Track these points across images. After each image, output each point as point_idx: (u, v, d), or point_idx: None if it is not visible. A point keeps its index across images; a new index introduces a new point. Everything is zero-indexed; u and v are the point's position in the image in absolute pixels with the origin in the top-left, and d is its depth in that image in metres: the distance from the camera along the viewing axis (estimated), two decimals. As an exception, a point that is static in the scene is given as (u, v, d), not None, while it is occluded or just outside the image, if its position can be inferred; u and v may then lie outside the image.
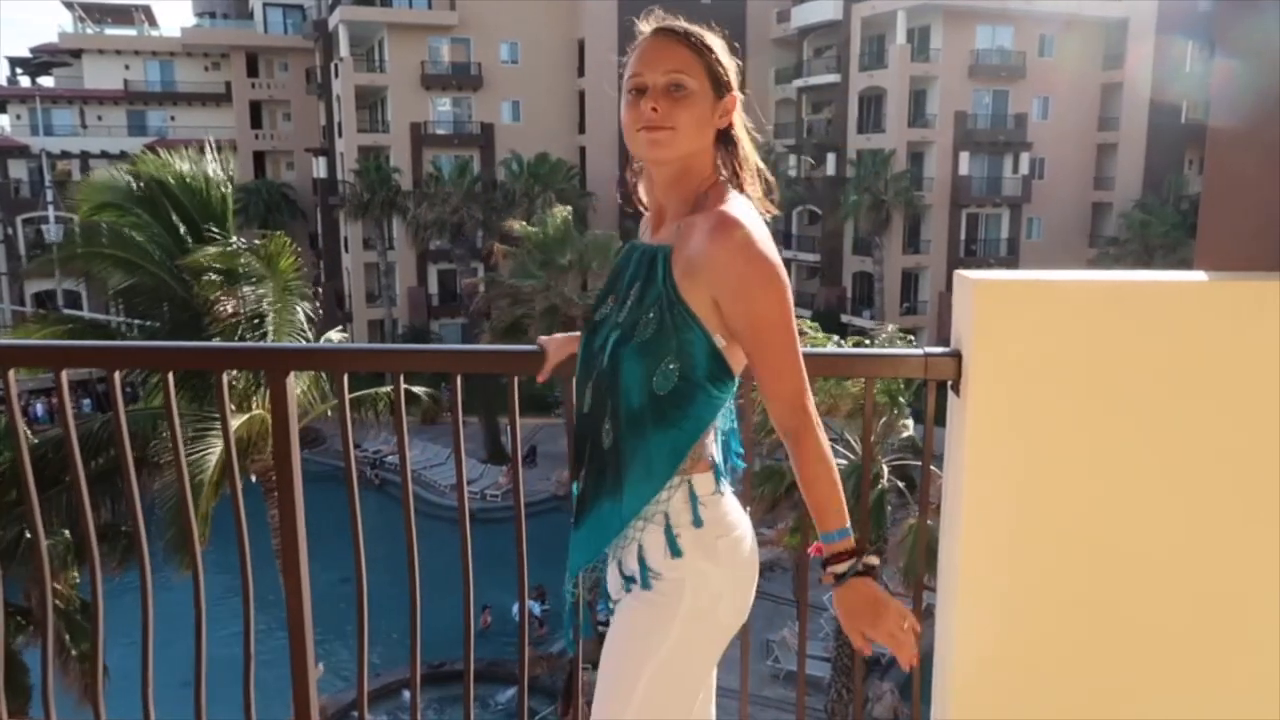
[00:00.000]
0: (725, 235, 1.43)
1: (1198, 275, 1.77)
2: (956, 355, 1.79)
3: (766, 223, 1.52)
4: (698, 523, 1.53)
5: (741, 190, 1.53)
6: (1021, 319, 1.71)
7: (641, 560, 1.55)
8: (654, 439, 1.50)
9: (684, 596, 1.53)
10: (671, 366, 1.48)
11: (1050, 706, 1.81)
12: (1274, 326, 1.66)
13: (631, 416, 1.50)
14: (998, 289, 1.72)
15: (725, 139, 1.55)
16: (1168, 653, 1.79)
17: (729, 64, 1.52)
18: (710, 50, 1.50)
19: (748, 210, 1.49)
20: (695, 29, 1.51)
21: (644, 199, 1.67)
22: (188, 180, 11.44)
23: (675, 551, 1.53)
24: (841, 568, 1.47)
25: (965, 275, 1.74)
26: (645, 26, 1.53)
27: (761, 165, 1.57)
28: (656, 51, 1.49)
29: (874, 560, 1.48)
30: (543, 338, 1.90)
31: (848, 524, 1.48)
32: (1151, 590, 1.77)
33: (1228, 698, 1.79)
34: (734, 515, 1.60)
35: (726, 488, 1.60)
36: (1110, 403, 1.71)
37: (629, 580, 1.58)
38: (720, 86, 1.50)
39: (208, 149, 11.94)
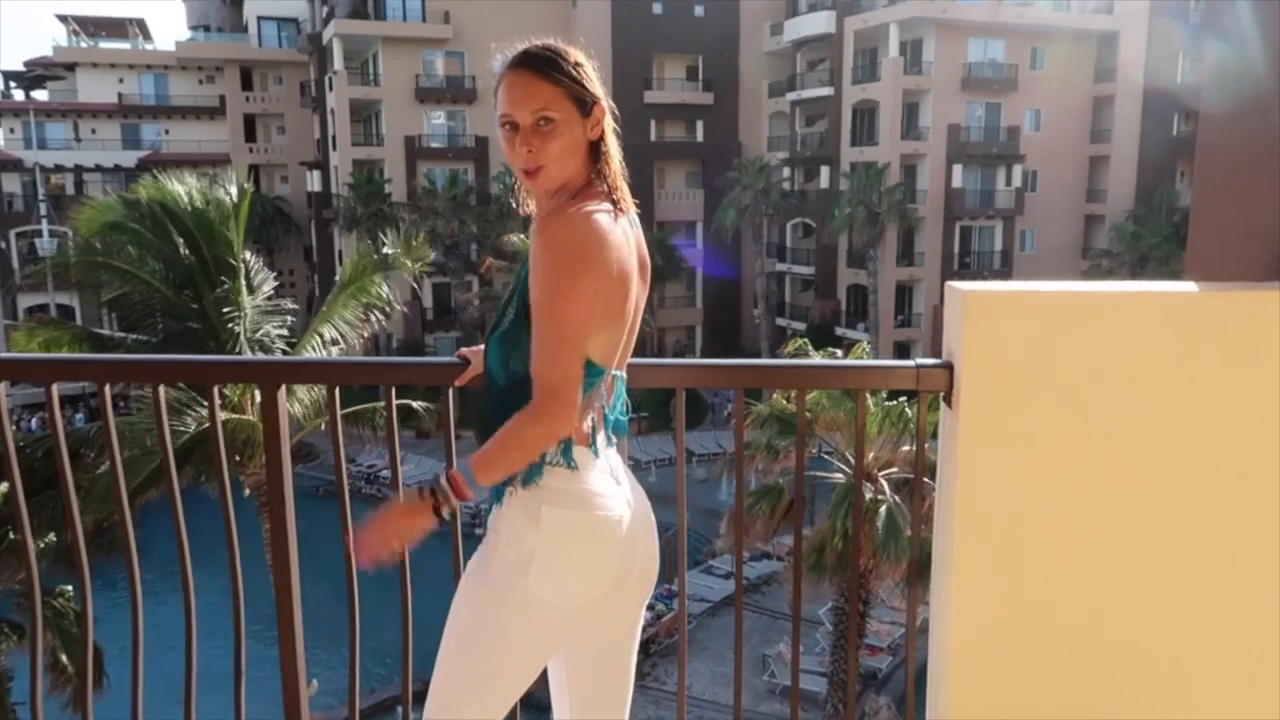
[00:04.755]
0: (541, 230, 1.52)
1: (1187, 286, 1.78)
2: (948, 366, 1.79)
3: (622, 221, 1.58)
4: (527, 481, 1.59)
5: (612, 194, 1.58)
6: (1013, 330, 1.71)
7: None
8: (514, 414, 1.56)
9: (498, 546, 1.63)
10: (525, 353, 1.55)
11: (1044, 713, 1.81)
12: (1263, 336, 1.67)
13: (497, 395, 1.62)
14: (989, 300, 1.72)
15: (597, 148, 1.60)
16: (1161, 660, 1.80)
17: (590, 75, 1.57)
18: (568, 77, 1.54)
19: (588, 210, 1.53)
20: (551, 54, 1.55)
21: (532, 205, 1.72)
22: (195, 203, 11.59)
23: (497, 498, 1.63)
24: (445, 492, 1.55)
25: (956, 286, 1.74)
26: (504, 57, 1.57)
27: (622, 163, 1.63)
28: (519, 89, 1.54)
29: (444, 509, 1.56)
30: (464, 349, 1.91)
31: (480, 483, 1.55)
32: (1144, 598, 1.78)
33: (1220, 702, 1.81)
34: (578, 491, 1.60)
35: (591, 466, 1.61)
36: (1101, 413, 1.72)
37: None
38: (585, 105, 1.56)
39: (233, 178, 12.33)
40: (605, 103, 1.59)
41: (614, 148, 1.61)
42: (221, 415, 2.33)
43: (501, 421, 1.56)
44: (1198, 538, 1.75)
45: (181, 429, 10.18)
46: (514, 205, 1.76)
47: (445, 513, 1.55)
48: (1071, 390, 1.71)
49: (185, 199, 11.51)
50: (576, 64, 1.56)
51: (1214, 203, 2.02)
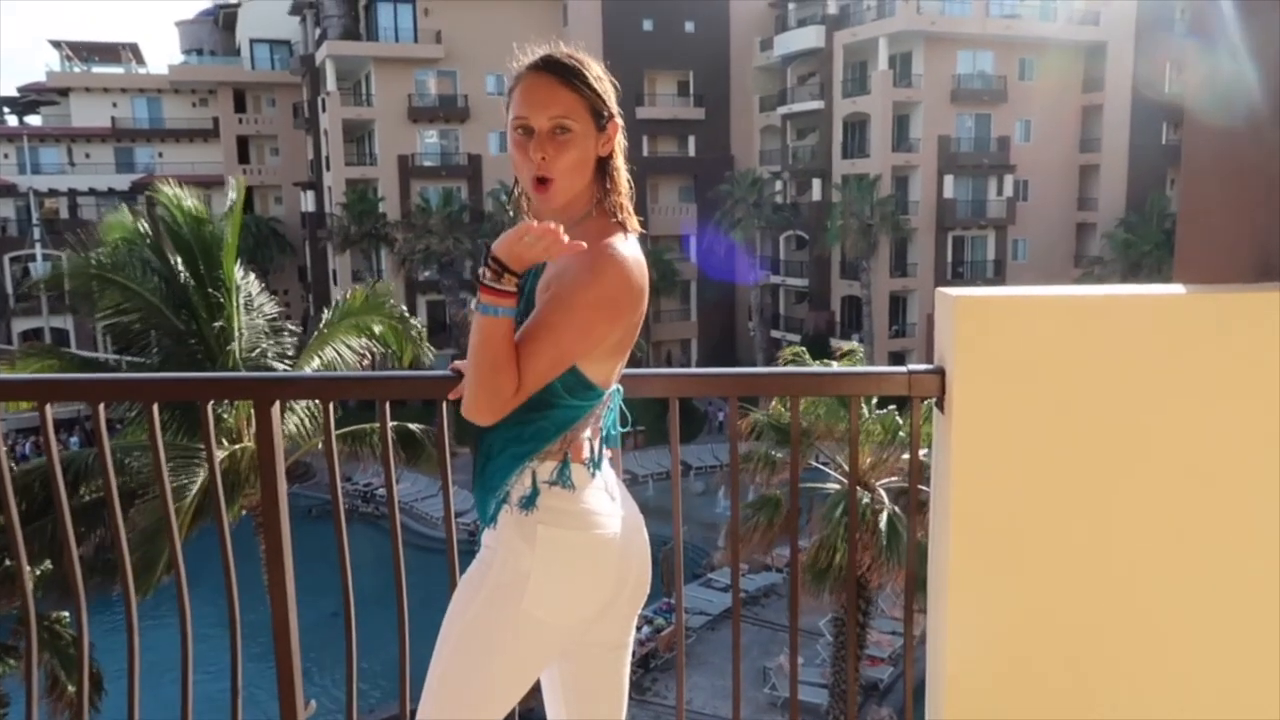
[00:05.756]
0: (595, 265, 1.48)
1: (1176, 289, 1.79)
2: (940, 372, 1.80)
3: (643, 248, 1.60)
4: (526, 504, 1.58)
5: (615, 214, 1.57)
6: (1003, 334, 1.72)
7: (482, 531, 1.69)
8: (511, 435, 1.57)
9: (494, 564, 1.63)
10: None
11: (1041, 713, 1.82)
12: (1253, 337, 1.69)
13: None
14: (979, 305, 1.73)
15: (604, 165, 1.59)
16: (1158, 664, 1.82)
17: (608, 90, 1.56)
18: (590, 87, 1.52)
19: (627, 248, 1.53)
20: (574, 63, 1.53)
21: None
22: (196, 217, 11.52)
23: (491, 519, 1.62)
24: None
25: (946, 292, 1.75)
26: (526, 60, 1.54)
27: (629, 181, 1.63)
28: (539, 93, 1.50)
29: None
30: (457, 362, 1.81)
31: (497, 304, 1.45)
32: (1140, 601, 1.79)
33: (1217, 706, 1.81)
34: (575, 511, 1.60)
35: (588, 484, 1.61)
36: (1093, 415, 1.73)
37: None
38: (601, 119, 1.54)
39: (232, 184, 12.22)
40: (619, 121, 1.57)
41: (623, 167, 1.60)
42: (220, 453, 2.32)
43: (504, 433, 1.57)
44: (1192, 539, 1.76)
45: (188, 482, 10.06)
46: (515, 214, 1.68)
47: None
48: (1063, 393, 1.72)
49: (186, 211, 11.49)
50: (598, 77, 1.55)
51: (1201, 206, 2.03)
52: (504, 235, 1.44)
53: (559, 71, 1.51)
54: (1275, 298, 1.69)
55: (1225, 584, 1.77)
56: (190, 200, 11.69)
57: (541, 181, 1.51)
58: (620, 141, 1.60)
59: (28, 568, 2.33)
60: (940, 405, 1.83)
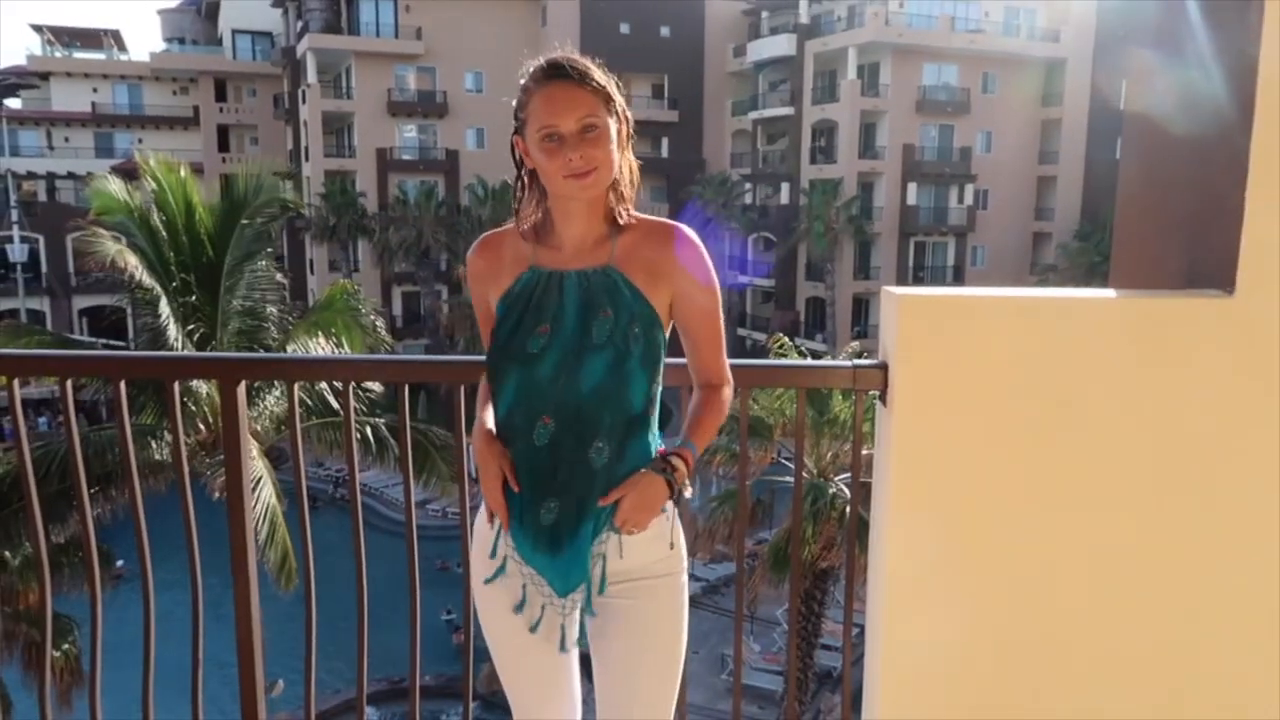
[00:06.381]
0: (690, 241, 1.61)
1: (1106, 293, 1.83)
2: (883, 367, 1.83)
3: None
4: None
5: (623, 200, 1.63)
6: (943, 332, 1.76)
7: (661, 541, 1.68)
8: (647, 437, 1.63)
9: (677, 588, 1.70)
10: (659, 370, 1.61)
11: (976, 707, 1.84)
12: (1176, 341, 1.75)
13: (631, 424, 1.59)
14: (920, 304, 1.76)
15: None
16: (1088, 653, 1.83)
17: (613, 86, 1.57)
18: (604, 86, 1.55)
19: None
20: (582, 65, 1.55)
21: (523, 227, 1.67)
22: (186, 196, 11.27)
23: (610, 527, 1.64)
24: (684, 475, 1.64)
25: (891, 291, 1.78)
26: (530, 73, 1.57)
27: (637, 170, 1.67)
28: (562, 99, 1.52)
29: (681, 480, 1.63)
30: (487, 456, 1.64)
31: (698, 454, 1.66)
32: (1071, 593, 1.81)
33: (1145, 695, 1.84)
34: None
35: None
36: (1027, 410, 1.76)
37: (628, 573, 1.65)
38: (617, 115, 1.57)
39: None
40: (627, 114, 1.60)
41: (631, 155, 1.63)
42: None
43: (636, 445, 1.60)
44: (1125, 533, 1.79)
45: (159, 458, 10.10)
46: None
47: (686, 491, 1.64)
48: (999, 389, 1.76)
49: (172, 189, 11.26)
50: (604, 71, 1.58)
51: (1135, 216, 2.07)
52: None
53: (572, 75, 1.53)
54: (1200, 304, 1.74)
55: (1159, 578, 1.80)
56: (183, 171, 11.43)
57: (582, 174, 1.52)
58: (626, 131, 1.60)
59: (46, 553, 2.37)
60: (883, 398, 1.85)
